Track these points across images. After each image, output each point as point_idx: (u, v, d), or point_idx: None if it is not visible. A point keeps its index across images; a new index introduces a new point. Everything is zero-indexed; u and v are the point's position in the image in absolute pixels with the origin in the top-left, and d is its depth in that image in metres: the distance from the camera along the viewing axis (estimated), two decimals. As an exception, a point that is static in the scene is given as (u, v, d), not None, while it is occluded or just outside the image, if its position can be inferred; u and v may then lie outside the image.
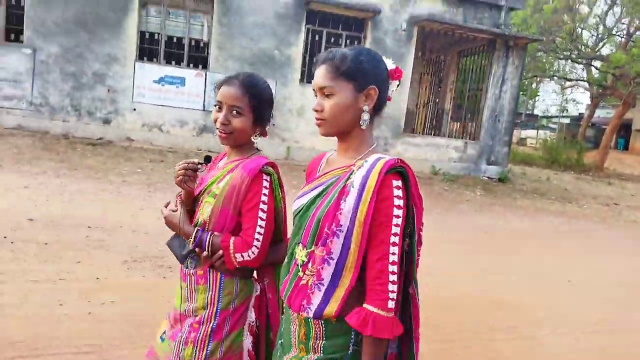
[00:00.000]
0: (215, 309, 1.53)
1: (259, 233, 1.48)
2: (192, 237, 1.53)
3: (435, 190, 9.64)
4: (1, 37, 10.24)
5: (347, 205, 1.18)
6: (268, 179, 1.52)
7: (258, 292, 1.60)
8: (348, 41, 11.15)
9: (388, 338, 1.17)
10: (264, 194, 1.50)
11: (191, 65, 10.89)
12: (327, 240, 1.20)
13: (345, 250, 1.19)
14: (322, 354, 1.25)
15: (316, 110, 1.28)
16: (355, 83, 1.24)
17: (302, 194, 1.36)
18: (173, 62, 10.92)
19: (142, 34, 10.72)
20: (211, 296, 1.54)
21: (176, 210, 1.60)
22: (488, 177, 11.60)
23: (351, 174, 1.23)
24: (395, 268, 1.16)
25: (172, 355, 1.54)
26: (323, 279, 1.22)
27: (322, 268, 1.21)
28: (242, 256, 1.47)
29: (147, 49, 11.31)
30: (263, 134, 1.64)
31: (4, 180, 6.44)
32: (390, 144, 11.43)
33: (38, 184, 6.45)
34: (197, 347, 1.50)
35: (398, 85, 1.33)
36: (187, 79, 10.65)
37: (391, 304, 1.16)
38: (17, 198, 5.69)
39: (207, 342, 1.50)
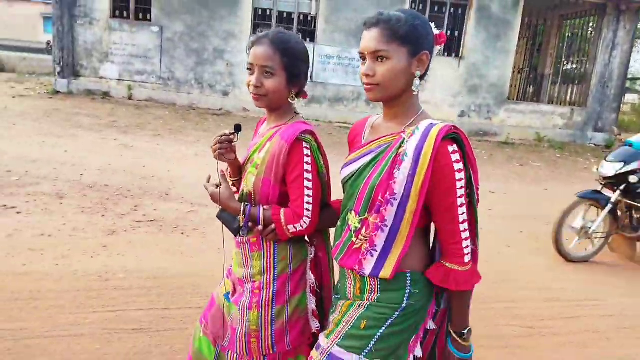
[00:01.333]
0: (272, 275, 1.53)
1: (307, 203, 1.45)
2: (241, 214, 1.50)
3: (547, 157, 9.73)
4: (132, 16, 11.19)
5: (401, 174, 1.19)
6: (308, 147, 1.47)
7: (312, 255, 1.60)
8: (452, 9, 11.19)
9: (469, 289, 1.28)
10: (306, 162, 1.46)
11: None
12: (381, 208, 1.22)
13: (399, 218, 1.21)
14: (375, 302, 1.30)
15: (367, 75, 1.25)
16: (410, 47, 1.22)
17: (350, 162, 1.36)
18: (284, 36, 11.42)
19: (255, 11, 11.33)
20: (266, 263, 1.54)
21: (220, 186, 1.54)
22: (594, 144, 11.48)
23: (402, 141, 1.23)
24: (466, 226, 1.22)
25: (239, 318, 1.55)
26: (376, 245, 1.24)
27: (375, 235, 1.24)
28: (294, 227, 1.46)
29: (261, 25, 11.94)
30: (301, 95, 1.58)
31: (173, 149, 7.32)
32: (492, 112, 11.53)
33: (202, 152, 7.29)
34: (261, 310, 1.52)
35: (438, 52, 1.34)
36: (298, 52, 11.13)
37: (467, 259, 1.24)
38: (195, 165, 6.52)
39: (270, 305, 1.52)
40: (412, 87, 1.27)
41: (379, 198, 1.21)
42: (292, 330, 1.54)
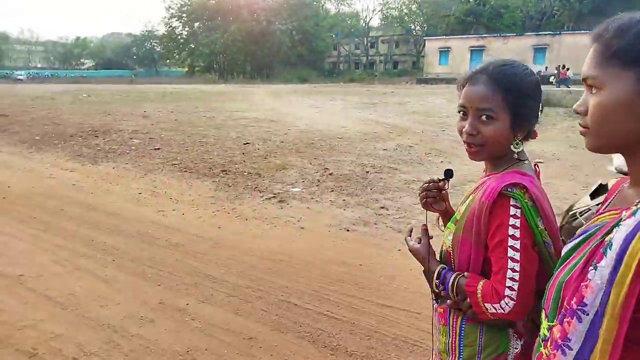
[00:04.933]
0: (457, 359, 1.30)
1: (511, 279, 1.13)
2: (435, 277, 1.30)
3: None
4: None
5: (598, 275, 0.76)
6: (517, 205, 1.15)
7: (518, 350, 1.23)
8: None
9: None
10: (512, 226, 1.15)
11: None
12: (565, 320, 0.82)
13: (588, 343, 0.78)
14: None
15: (578, 112, 0.90)
16: (639, 70, 0.80)
17: (573, 239, 0.95)
18: None
19: None
20: (451, 343, 1.30)
21: (421, 242, 1.37)
22: None
23: (616, 224, 0.77)
24: None
25: None
26: None
27: (554, 355, 0.84)
28: (493, 307, 1.16)
29: None
30: (530, 136, 1.28)
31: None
32: None
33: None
34: None
35: None
36: None
37: None
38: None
39: None
40: None
41: (565, 304, 0.83)
42: None
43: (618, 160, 3.61)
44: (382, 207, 5.65)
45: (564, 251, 0.92)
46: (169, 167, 7.67)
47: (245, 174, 7.27)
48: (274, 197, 6.11)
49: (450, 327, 1.30)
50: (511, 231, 1.14)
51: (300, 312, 3.24)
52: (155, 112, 14.24)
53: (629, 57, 0.80)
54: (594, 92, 0.84)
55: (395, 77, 49.52)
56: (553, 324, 0.86)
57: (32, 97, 19.26)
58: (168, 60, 71.85)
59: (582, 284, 0.78)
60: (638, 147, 0.83)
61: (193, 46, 60.13)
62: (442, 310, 1.33)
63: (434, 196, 1.41)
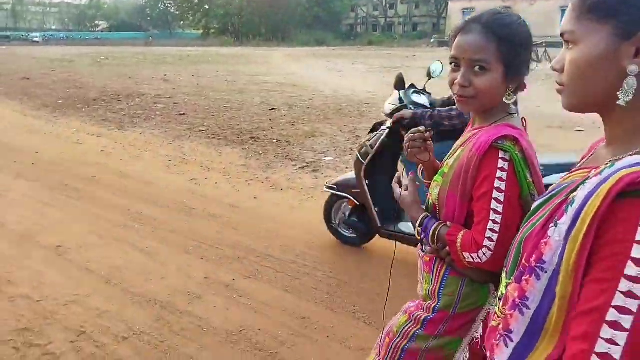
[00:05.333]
0: (434, 305, 1.32)
1: (491, 230, 1.13)
2: (417, 225, 1.31)
3: None
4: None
5: (558, 232, 0.73)
6: (506, 157, 1.14)
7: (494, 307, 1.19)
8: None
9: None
10: (499, 178, 1.13)
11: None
12: (523, 278, 0.78)
13: (546, 300, 0.74)
14: None
15: (555, 70, 0.85)
16: (615, 24, 0.74)
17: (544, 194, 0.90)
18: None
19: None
20: (432, 290, 1.33)
21: (407, 190, 1.38)
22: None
23: (583, 182, 0.74)
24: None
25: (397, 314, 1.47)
26: (512, 332, 0.80)
27: (511, 315, 0.80)
28: (471, 257, 1.17)
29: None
30: (520, 87, 1.23)
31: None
32: None
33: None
34: (410, 322, 1.36)
35: None
36: None
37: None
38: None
39: (419, 326, 1.33)
40: (619, 92, 0.75)
41: (523, 260, 0.80)
42: None
43: (386, 106, 3.38)
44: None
45: (532, 207, 0.87)
46: (196, 134, 7.49)
47: (275, 141, 7.06)
48: (307, 166, 5.91)
49: (434, 275, 1.32)
50: (497, 183, 1.14)
51: (352, 291, 3.09)
52: (176, 76, 14.00)
53: (604, 11, 0.75)
54: (570, 47, 0.80)
55: (415, 40, 48.08)
56: (510, 281, 0.83)
57: (51, 60, 19.12)
58: (182, 22, 70.74)
59: (541, 241, 0.75)
60: (613, 106, 0.77)
61: (207, 7, 58.96)
62: (427, 259, 1.34)
63: (419, 146, 1.39)
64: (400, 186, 1.44)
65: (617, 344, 0.62)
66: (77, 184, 5.11)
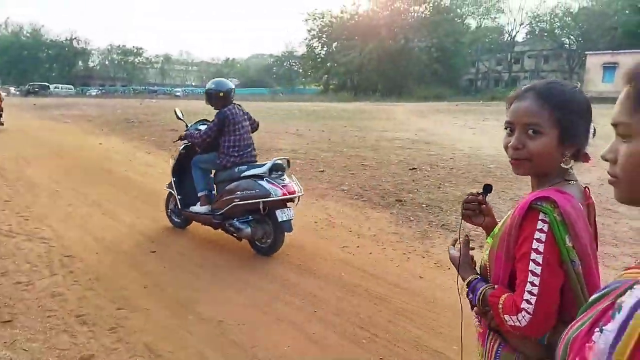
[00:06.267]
0: None
1: (529, 292, 1.12)
2: (465, 285, 1.32)
3: None
4: None
5: (603, 339, 0.66)
6: (546, 219, 1.12)
7: None
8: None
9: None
10: (537, 239, 1.13)
11: None
12: None
13: None
14: None
15: (606, 160, 0.82)
16: None
17: (601, 290, 0.85)
18: None
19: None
20: None
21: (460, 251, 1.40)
22: None
23: (631, 287, 0.67)
24: None
25: None
26: None
27: None
28: (511, 319, 1.15)
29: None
30: (581, 158, 1.23)
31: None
32: None
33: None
34: None
35: None
36: None
37: None
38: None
39: None
40: None
41: None
42: None
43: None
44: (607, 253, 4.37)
45: (588, 301, 0.81)
46: (339, 193, 7.16)
47: (424, 206, 6.43)
48: (472, 239, 5.15)
49: (487, 351, 1.28)
50: (535, 244, 1.14)
51: None
52: (306, 131, 14.23)
53: None
54: (625, 140, 0.77)
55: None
56: None
57: (188, 112, 20.83)
58: (304, 79, 75.07)
59: (586, 344, 0.70)
60: None
61: (329, 65, 61.91)
62: (481, 330, 1.32)
63: (473, 209, 1.44)
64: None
65: None
66: (225, 242, 4.93)
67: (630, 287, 0.68)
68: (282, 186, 4.44)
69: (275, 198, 4.36)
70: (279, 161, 4.64)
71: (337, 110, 24.51)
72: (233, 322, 3.32)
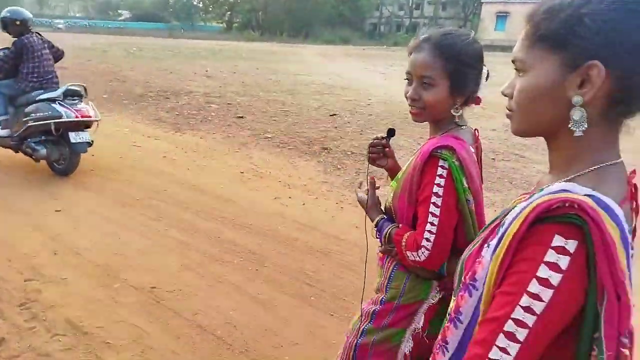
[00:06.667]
0: (382, 297, 1.41)
1: (429, 232, 1.24)
2: (373, 226, 1.43)
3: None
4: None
5: (489, 252, 0.78)
6: (445, 165, 1.23)
7: (435, 302, 1.34)
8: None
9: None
10: (437, 184, 1.23)
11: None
12: (459, 294, 0.84)
13: (474, 317, 0.79)
14: None
15: (504, 95, 0.86)
16: (563, 55, 0.75)
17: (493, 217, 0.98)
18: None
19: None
20: (382, 283, 1.43)
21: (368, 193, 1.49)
22: None
23: (514, 206, 0.79)
24: None
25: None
26: (448, 343, 0.86)
27: (448, 328, 0.87)
28: (412, 255, 1.27)
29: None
30: (470, 102, 1.35)
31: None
32: None
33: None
34: (361, 319, 1.44)
35: None
36: None
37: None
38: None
39: (368, 320, 1.41)
40: (571, 125, 0.75)
41: (462, 278, 0.83)
42: (374, 356, 1.39)
43: None
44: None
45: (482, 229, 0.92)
46: (262, 141, 6.83)
47: (349, 153, 6.38)
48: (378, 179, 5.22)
49: (384, 270, 1.43)
50: (435, 189, 1.24)
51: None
52: (217, 72, 13.39)
53: (554, 41, 0.76)
54: (520, 75, 0.82)
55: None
56: (455, 297, 0.87)
57: (84, 49, 18.62)
58: (204, 15, 70.32)
59: (476, 260, 0.81)
60: (557, 134, 0.80)
61: (232, 1, 58.40)
62: (381, 255, 1.46)
63: (378, 152, 1.53)
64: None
65: (508, 354, 0.67)
66: (151, 199, 4.48)
67: (514, 207, 0.78)
68: (75, 110, 4.76)
69: (67, 120, 4.66)
70: (73, 87, 4.93)
71: (245, 50, 23.40)
72: (168, 289, 3.02)
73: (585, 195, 0.69)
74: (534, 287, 0.66)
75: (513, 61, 0.83)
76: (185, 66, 14.14)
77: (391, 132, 1.52)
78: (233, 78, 12.49)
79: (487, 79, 1.34)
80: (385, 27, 65.61)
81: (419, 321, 1.36)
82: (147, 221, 4.03)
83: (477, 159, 1.37)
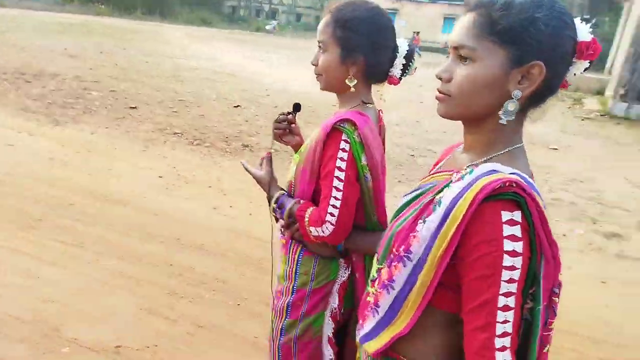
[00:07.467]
0: (292, 285, 1.37)
1: (333, 206, 1.22)
2: (273, 202, 1.36)
3: None
4: None
5: (426, 228, 0.85)
6: (348, 140, 1.22)
7: (345, 278, 1.37)
8: None
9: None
10: (340, 158, 1.22)
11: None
12: (392, 264, 0.91)
13: (409, 284, 0.88)
14: None
15: (439, 78, 0.89)
16: (512, 50, 0.81)
17: (408, 193, 1.01)
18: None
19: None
20: (289, 270, 1.39)
21: (264, 169, 1.46)
22: None
23: (447, 185, 0.86)
24: (507, 342, 0.77)
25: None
26: (379, 307, 0.95)
27: (380, 293, 0.95)
28: (316, 231, 1.25)
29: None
30: (389, 81, 1.33)
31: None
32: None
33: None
34: (277, 316, 1.40)
35: (587, 69, 0.85)
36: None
37: None
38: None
39: (284, 315, 1.37)
40: (500, 112, 0.85)
41: (394, 250, 0.92)
42: (300, 352, 1.36)
43: None
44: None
45: (399, 204, 1.00)
46: (172, 138, 5.94)
47: (274, 151, 5.90)
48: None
49: (290, 256, 1.38)
50: (338, 163, 1.22)
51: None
52: (80, 51, 11.48)
53: (509, 37, 0.81)
54: (466, 62, 0.85)
55: (304, 31, 47.80)
56: (382, 266, 0.95)
57: None
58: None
59: (410, 234, 0.88)
60: (484, 120, 0.88)
61: (72, -32, 51.22)
62: (284, 241, 1.41)
63: (284, 128, 1.48)
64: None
65: (509, 321, 0.77)
66: (57, 219, 3.51)
67: (447, 186, 0.86)
68: None
69: None
70: None
71: (100, 26, 20.67)
72: (136, 346, 2.33)
73: (510, 173, 0.79)
74: (507, 260, 0.76)
75: (456, 47, 0.85)
76: (37, 42, 11.87)
77: (297, 107, 1.46)
78: (102, 59, 10.84)
79: (415, 70, 1.35)
80: (244, 12, 64.29)
81: (335, 300, 1.37)
82: (67, 249, 3.13)
83: (382, 139, 1.39)
